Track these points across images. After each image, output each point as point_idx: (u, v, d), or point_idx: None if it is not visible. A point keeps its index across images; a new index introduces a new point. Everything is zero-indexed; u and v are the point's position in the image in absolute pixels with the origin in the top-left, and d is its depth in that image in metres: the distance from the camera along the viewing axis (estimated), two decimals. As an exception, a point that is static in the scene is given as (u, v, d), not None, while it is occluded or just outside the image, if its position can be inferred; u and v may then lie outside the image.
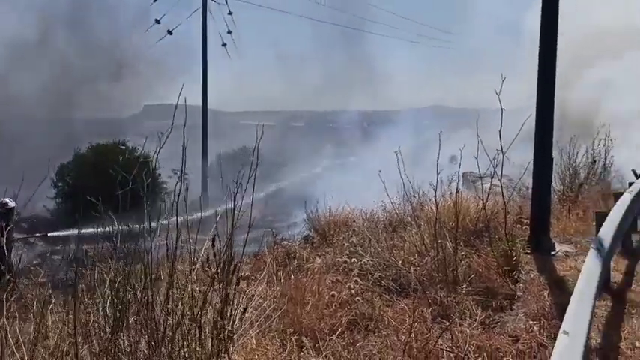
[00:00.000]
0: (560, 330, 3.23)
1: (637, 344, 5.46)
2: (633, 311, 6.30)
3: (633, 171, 13.48)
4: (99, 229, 4.61)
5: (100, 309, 4.04)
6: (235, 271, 4.01)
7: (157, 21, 32.99)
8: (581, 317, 3.56)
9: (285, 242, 9.96)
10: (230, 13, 34.09)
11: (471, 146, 7.73)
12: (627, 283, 7.36)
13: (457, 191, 7.85)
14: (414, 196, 9.07)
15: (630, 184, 10.44)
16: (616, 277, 7.40)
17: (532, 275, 7.55)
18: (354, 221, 10.28)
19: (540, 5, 8.71)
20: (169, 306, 3.89)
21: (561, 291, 6.90)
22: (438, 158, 7.55)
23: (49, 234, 19.22)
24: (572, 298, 3.86)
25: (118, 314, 3.75)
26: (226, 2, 33.65)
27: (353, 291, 6.55)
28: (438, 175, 7.76)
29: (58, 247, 18.08)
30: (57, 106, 32.89)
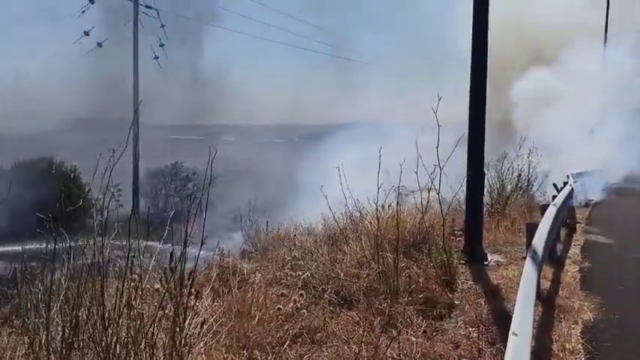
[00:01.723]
0: (510, 332, 3.46)
1: (567, 346, 5.81)
2: (562, 316, 6.69)
3: (554, 185, 14.33)
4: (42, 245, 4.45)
5: (45, 328, 3.91)
6: (191, 284, 4.00)
7: (86, 33, 32.02)
8: (526, 320, 3.82)
9: (224, 257, 9.89)
10: (162, 26, 33.60)
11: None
12: (555, 290, 7.80)
13: (398, 204, 8.09)
14: (356, 210, 9.26)
15: (554, 197, 11.08)
16: (545, 284, 7.83)
17: (468, 284, 7.90)
18: (295, 235, 10.35)
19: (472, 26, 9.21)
20: (123, 322, 3.82)
21: (496, 299, 7.27)
22: (379, 173, 7.79)
23: None
24: (517, 303, 4.13)
25: (70, 333, 3.65)
26: (158, 15, 33.13)
27: (298, 304, 6.62)
28: (378, 189, 7.97)
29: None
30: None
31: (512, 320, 3.73)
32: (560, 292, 7.68)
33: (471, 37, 9.25)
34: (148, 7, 32.52)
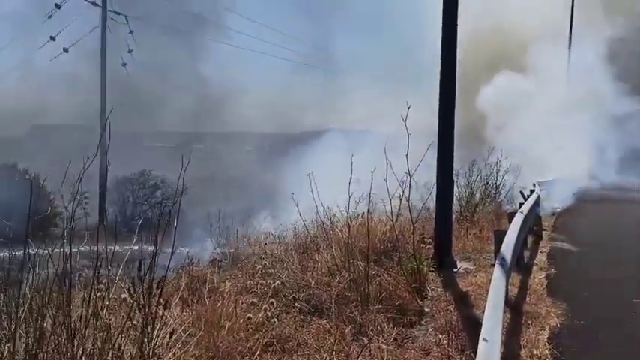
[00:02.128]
0: (480, 338, 3.51)
1: (534, 352, 5.90)
2: (529, 322, 6.80)
3: (521, 192, 14.57)
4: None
5: (8, 340, 3.79)
6: (160, 293, 3.94)
7: (52, 38, 31.44)
8: (495, 326, 3.87)
9: (194, 266, 9.78)
10: (131, 32, 33.15)
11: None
12: (522, 296, 7.92)
13: (368, 212, 8.13)
14: (327, 218, 9.27)
15: (521, 205, 11.26)
16: (512, 290, 7.94)
17: (438, 291, 7.97)
18: (266, 244, 10.30)
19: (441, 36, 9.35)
20: (89, 332, 3.74)
21: (465, 305, 7.35)
22: (350, 181, 7.83)
23: None
24: (487, 310, 4.18)
25: (34, 344, 3.55)
26: (127, 21, 32.71)
27: (269, 313, 6.59)
28: (349, 197, 8.00)
29: None
30: None
31: (482, 326, 3.78)
32: (528, 299, 7.79)
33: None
34: (116, 12, 32.13)
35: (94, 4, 31.34)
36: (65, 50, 31.98)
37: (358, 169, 8.20)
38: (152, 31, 35.64)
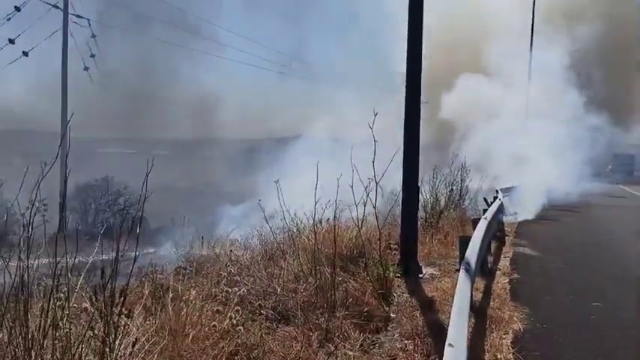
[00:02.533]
0: (446, 343, 3.52)
1: (499, 356, 5.97)
2: (494, 326, 6.88)
3: (485, 199, 14.80)
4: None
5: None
6: (123, 302, 3.84)
7: (11, 41, 30.54)
8: (461, 331, 3.90)
9: (157, 274, 9.61)
10: (93, 37, 32.53)
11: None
12: (487, 301, 8.02)
13: (335, 218, 8.12)
14: (292, 224, 9.23)
15: (485, 211, 11.43)
16: (477, 295, 8.03)
17: (404, 297, 8.00)
18: (231, 250, 10.19)
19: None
20: (48, 343, 3.61)
21: (431, 311, 7.39)
22: (316, 187, 7.81)
23: None
24: (452, 315, 4.20)
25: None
26: (89, 25, 32.09)
27: (234, 321, 6.50)
28: (315, 203, 7.98)
29: None
30: None
31: (448, 332, 3.80)
32: (492, 303, 7.89)
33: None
34: (78, 16, 31.50)
35: (56, 6, 30.66)
36: (25, 54, 31.15)
37: (326, 175, 8.19)
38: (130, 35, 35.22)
